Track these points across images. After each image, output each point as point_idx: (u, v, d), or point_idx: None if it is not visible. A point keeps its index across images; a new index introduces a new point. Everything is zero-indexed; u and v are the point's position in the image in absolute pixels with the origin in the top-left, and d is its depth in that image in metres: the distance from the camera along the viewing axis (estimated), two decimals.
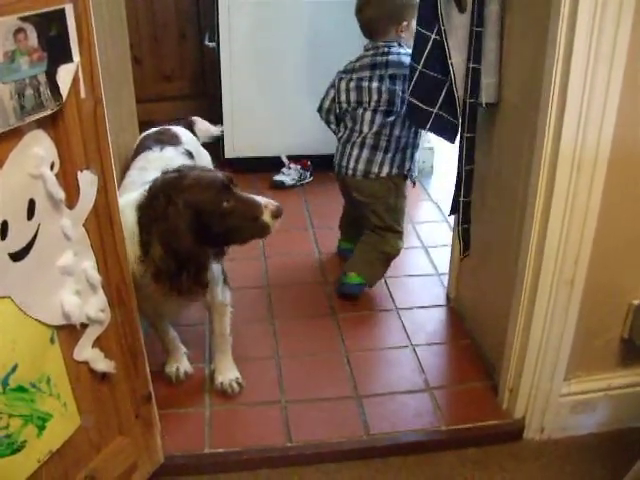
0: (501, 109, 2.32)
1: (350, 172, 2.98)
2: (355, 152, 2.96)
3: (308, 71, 4.03)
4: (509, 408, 2.36)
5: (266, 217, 2.08)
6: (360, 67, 2.95)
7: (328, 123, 3.17)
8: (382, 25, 2.90)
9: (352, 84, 2.95)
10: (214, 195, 2.02)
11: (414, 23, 2.43)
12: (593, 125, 1.87)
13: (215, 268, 2.28)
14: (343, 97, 2.99)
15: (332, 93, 3.06)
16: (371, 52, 2.93)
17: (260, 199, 2.10)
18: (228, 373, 2.48)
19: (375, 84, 2.89)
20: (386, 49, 2.88)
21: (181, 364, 2.54)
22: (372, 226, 3.05)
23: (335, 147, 3.09)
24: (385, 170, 2.93)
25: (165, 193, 1.99)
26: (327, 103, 3.10)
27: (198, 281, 2.05)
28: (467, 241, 2.57)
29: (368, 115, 2.93)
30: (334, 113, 3.09)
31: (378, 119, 2.92)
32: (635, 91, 1.88)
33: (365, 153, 2.94)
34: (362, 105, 2.94)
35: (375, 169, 2.93)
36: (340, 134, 3.07)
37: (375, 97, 2.91)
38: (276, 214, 2.10)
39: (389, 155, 2.93)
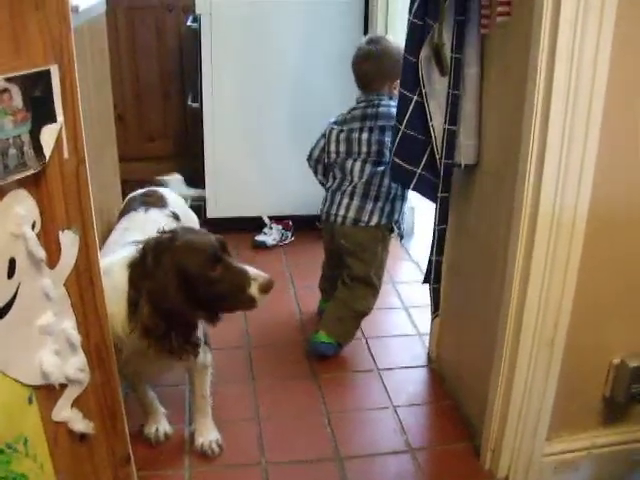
0: (480, 170, 2.35)
1: (340, 219, 3.00)
2: (345, 200, 2.99)
3: (290, 132, 4.07)
4: (492, 468, 2.34)
5: (253, 290, 2.03)
6: (351, 118, 3.00)
7: (316, 173, 3.21)
8: (377, 80, 2.97)
9: (342, 135, 3.00)
10: (202, 261, 2.00)
11: None
12: (571, 187, 1.90)
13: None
14: (333, 147, 3.04)
15: (322, 143, 3.10)
16: (362, 104, 2.99)
17: (251, 271, 2.05)
18: (208, 434, 2.45)
19: (365, 135, 2.95)
20: (377, 101, 2.94)
21: (160, 425, 2.50)
22: (350, 277, 3.04)
23: (323, 199, 3.12)
24: (375, 219, 2.96)
25: (156, 253, 1.98)
26: (317, 152, 3.14)
27: (188, 341, 2.03)
28: (437, 301, 2.58)
29: (358, 165, 2.98)
30: (323, 163, 3.13)
31: (368, 169, 2.96)
32: (611, 153, 1.91)
33: (356, 201, 2.97)
34: (352, 156, 2.99)
35: (365, 217, 2.96)
36: (329, 184, 3.10)
37: (365, 149, 2.96)
38: (265, 288, 2.04)
39: (379, 204, 2.95)
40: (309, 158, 3.19)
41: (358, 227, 2.97)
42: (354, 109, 3.01)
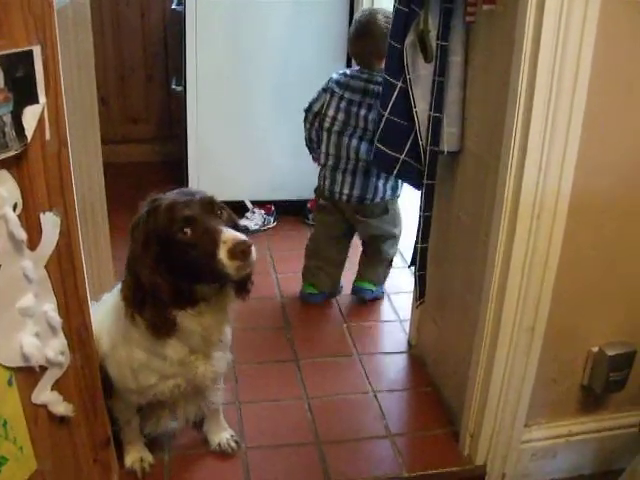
0: (463, 157, 2.36)
1: (344, 197, 3.08)
2: (348, 179, 3.06)
3: (274, 117, 4.06)
4: (470, 454, 2.36)
5: (222, 255, 1.71)
6: (352, 87, 3.02)
7: (311, 125, 3.20)
8: (367, 59, 3.01)
9: (342, 104, 3.03)
10: (170, 223, 1.78)
11: None
12: (553, 174, 1.91)
13: (228, 331, 2.12)
14: (332, 112, 3.06)
15: (323, 99, 3.11)
16: (365, 76, 3.01)
17: (225, 232, 1.74)
18: (223, 433, 2.40)
19: (363, 112, 2.99)
20: (379, 78, 2.93)
21: (144, 455, 2.30)
22: (372, 237, 3.22)
23: (320, 175, 3.19)
24: (379, 195, 3.06)
25: (138, 218, 1.86)
26: (317, 106, 3.15)
27: (159, 315, 1.83)
28: (422, 288, 2.58)
29: (354, 142, 3.02)
30: (319, 119, 3.14)
31: (364, 147, 3.00)
32: (594, 140, 1.92)
33: (359, 180, 3.05)
34: (348, 129, 3.03)
35: (370, 195, 3.05)
36: (323, 161, 3.14)
37: (362, 124, 2.99)
38: (233, 254, 1.70)
39: (382, 181, 3.04)
40: (308, 110, 3.19)
41: (364, 204, 3.07)
42: (357, 77, 3.03)
